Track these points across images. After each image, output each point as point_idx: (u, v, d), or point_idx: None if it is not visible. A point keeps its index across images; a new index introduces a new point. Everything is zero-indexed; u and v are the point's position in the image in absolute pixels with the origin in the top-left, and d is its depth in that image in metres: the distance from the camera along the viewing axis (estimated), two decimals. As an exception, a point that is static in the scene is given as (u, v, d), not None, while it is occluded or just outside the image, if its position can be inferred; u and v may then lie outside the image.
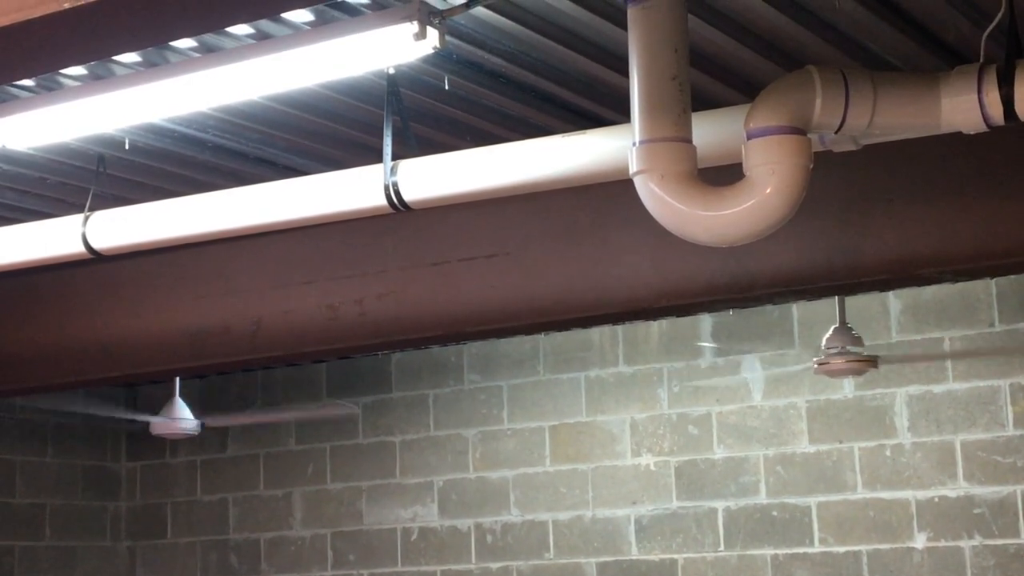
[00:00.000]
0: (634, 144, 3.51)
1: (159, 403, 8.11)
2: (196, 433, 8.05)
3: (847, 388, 7.65)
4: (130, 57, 4.00)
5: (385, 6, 3.67)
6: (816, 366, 6.67)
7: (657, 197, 3.51)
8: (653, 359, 8.12)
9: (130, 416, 8.40)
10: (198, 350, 5.65)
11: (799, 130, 3.47)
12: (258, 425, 9.15)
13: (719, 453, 7.97)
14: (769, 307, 7.71)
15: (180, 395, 7.95)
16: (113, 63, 4.05)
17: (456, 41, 4.11)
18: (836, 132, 3.60)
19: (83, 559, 9.51)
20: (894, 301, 7.56)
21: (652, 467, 8.14)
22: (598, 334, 8.32)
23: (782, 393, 7.82)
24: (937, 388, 7.46)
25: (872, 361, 6.62)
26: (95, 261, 5.09)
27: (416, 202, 4.34)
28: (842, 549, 7.60)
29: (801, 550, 7.70)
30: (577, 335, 8.35)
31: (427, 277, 5.21)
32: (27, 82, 4.10)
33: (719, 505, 7.93)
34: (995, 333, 7.33)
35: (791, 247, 4.56)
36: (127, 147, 4.87)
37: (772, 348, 7.80)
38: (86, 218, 4.88)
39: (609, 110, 4.70)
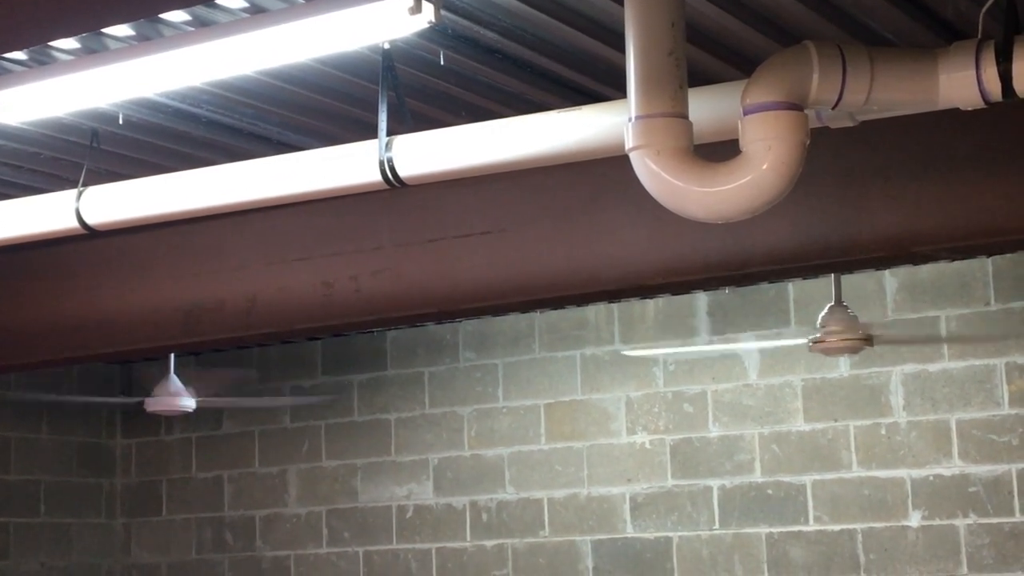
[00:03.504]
0: (630, 120, 3.49)
1: (154, 380, 8.09)
2: (191, 410, 8.04)
3: (842, 367, 7.65)
4: (123, 31, 3.98)
5: (380, -20, 3.64)
6: (811, 344, 6.67)
7: (653, 173, 3.49)
8: (649, 337, 8.11)
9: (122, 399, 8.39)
10: (192, 327, 5.63)
11: (796, 106, 3.45)
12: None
13: (714, 431, 7.97)
14: (765, 285, 7.71)
15: (175, 372, 7.94)
16: (106, 37, 4.02)
17: (452, 16, 4.09)
18: (833, 108, 3.58)
19: (78, 536, 9.51)
20: (890, 279, 7.56)
21: (647, 445, 8.14)
22: (593, 312, 8.31)
23: (777, 371, 7.82)
24: (932, 367, 7.46)
25: (868, 340, 6.61)
26: (89, 237, 5.07)
27: (411, 178, 4.32)
28: (837, 527, 7.61)
29: (796, 528, 7.71)
30: (572, 313, 8.35)
31: (422, 254, 5.19)
32: (20, 56, 4.08)
33: (714, 483, 7.94)
34: (991, 312, 7.33)
35: (787, 224, 4.55)
36: (121, 122, 4.84)
37: (768, 326, 7.80)
38: (80, 193, 4.85)
39: (605, 86, 4.68)
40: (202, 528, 9.51)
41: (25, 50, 4.01)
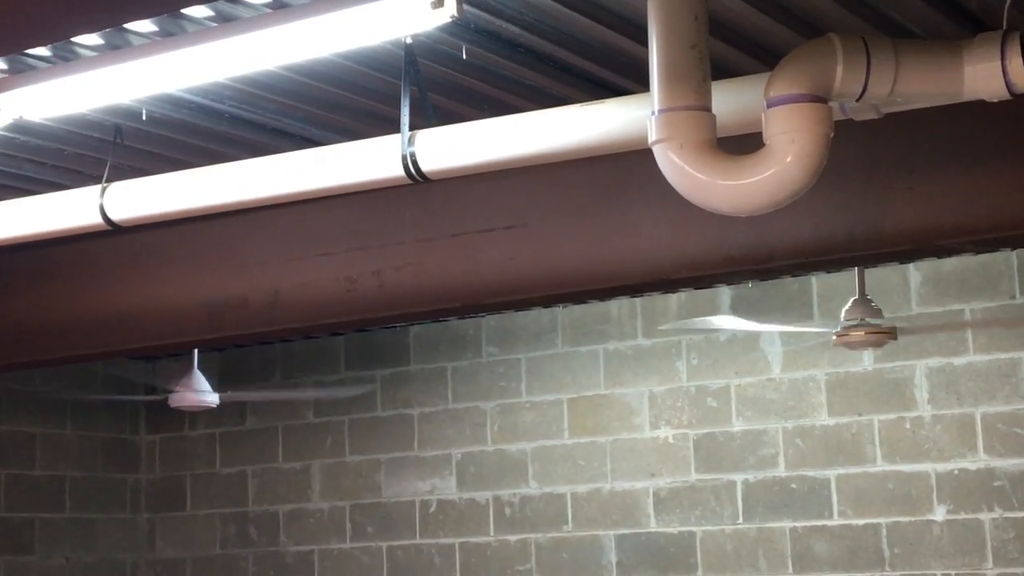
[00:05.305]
0: (653, 113, 3.48)
1: (178, 376, 8.12)
2: (215, 405, 8.06)
3: (866, 360, 7.62)
4: (146, 26, 3.99)
5: (402, -26, 3.64)
6: (835, 338, 6.64)
7: (676, 166, 3.48)
8: (672, 331, 8.09)
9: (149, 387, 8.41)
10: (216, 322, 5.65)
11: (820, 98, 3.44)
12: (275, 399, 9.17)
13: (738, 426, 7.95)
14: (788, 279, 7.68)
15: (199, 368, 7.96)
16: (129, 33, 4.03)
17: (473, 10, 4.08)
18: (857, 100, 3.56)
19: (103, 531, 9.55)
20: (914, 273, 7.53)
21: (671, 440, 8.13)
22: (616, 306, 8.30)
23: (801, 365, 7.80)
24: (957, 360, 7.43)
25: (892, 333, 6.58)
26: (112, 233, 5.08)
27: (434, 172, 4.32)
28: (861, 522, 7.58)
29: (820, 523, 7.69)
30: (595, 307, 8.34)
31: (445, 249, 5.19)
32: (43, 52, 4.09)
33: (738, 478, 7.92)
34: (1016, 305, 7.29)
35: (811, 217, 4.53)
36: (144, 118, 4.85)
37: (791, 321, 7.77)
38: (103, 189, 4.87)
39: (628, 80, 4.68)
40: (226, 523, 9.53)
41: (48, 46, 4.02)
